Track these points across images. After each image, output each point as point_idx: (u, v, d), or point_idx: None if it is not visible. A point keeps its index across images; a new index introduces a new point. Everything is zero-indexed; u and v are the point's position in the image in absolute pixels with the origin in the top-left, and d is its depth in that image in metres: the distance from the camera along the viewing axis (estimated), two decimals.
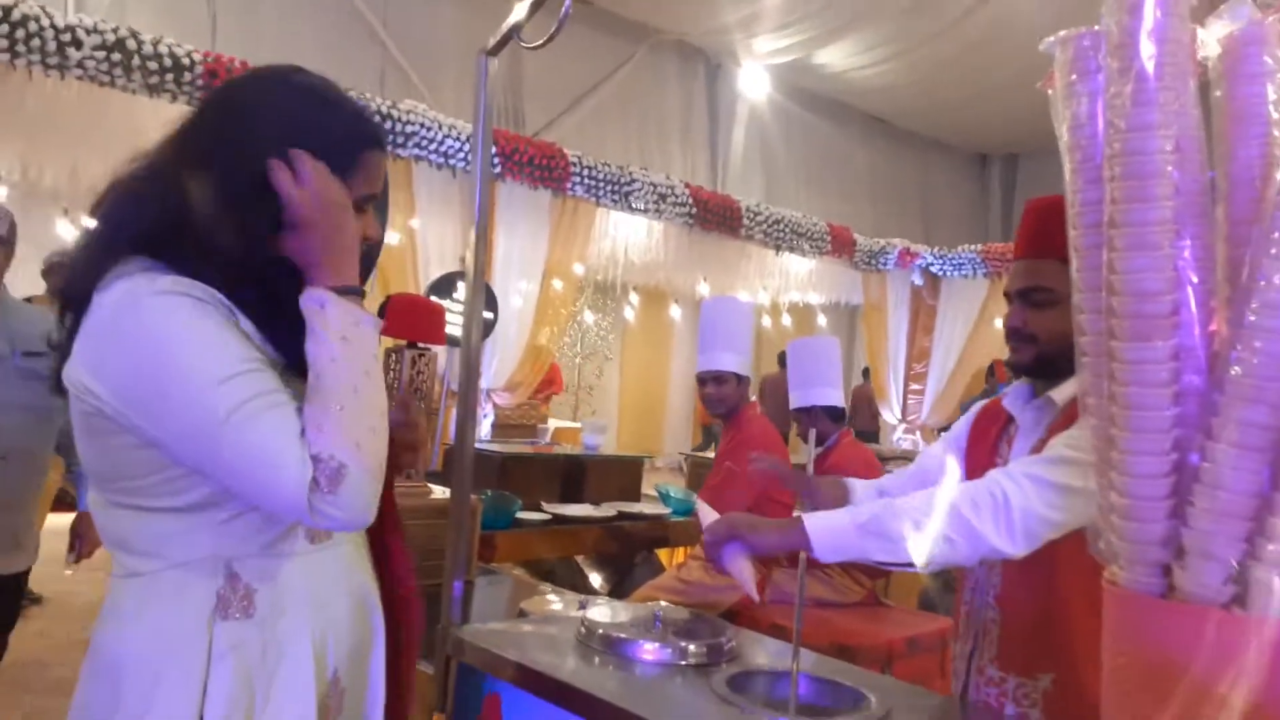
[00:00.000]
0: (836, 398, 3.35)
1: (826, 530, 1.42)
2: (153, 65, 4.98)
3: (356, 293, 1.11)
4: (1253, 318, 0.82)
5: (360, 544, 1.24)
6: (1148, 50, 0.87)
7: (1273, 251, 0.82)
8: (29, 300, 5.06)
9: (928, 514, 1.35)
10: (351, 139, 1.15)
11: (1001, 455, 1.64)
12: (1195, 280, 0.89)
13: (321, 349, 1.06)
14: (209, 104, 1.17)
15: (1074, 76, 0.95)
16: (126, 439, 1.04)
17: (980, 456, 1.69)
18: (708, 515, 1.58)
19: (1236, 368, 0.82)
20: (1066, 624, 1.48)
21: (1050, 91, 1.08)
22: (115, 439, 1.05)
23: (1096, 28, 0.94)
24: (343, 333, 1.07)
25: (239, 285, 1.07)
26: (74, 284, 1.09)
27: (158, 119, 5.25)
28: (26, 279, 6.80)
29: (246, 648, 1.07)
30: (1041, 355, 1.56)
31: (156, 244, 1.08)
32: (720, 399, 3.29)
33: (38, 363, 2.39)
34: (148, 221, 1.08)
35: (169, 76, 5.03)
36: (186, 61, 5.09)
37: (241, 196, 1.08)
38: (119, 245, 1.08)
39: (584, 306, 10.13)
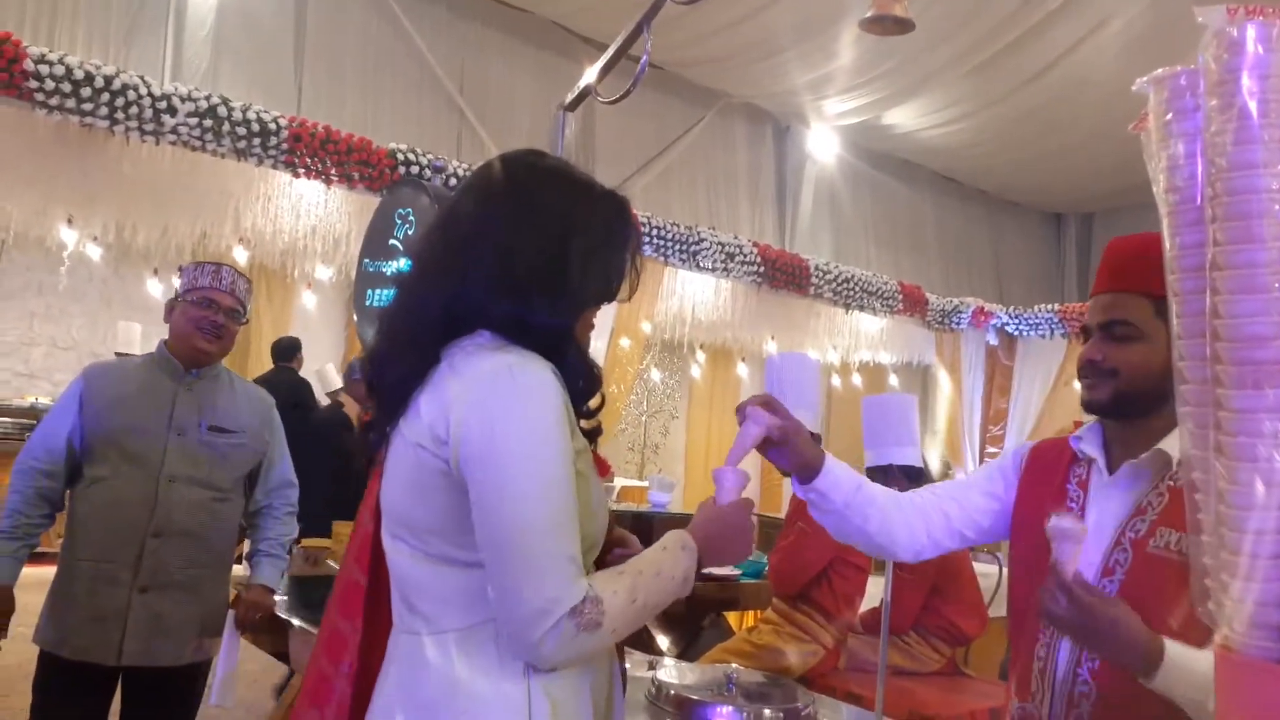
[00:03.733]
0: (914, 456, 3.27)
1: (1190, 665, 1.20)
2: (241, 130, 5.19)
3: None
4: None
5: None
6: (1250, 87, 0.83)
7: None
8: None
9: None
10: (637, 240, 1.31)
11: (1074, 499, 1.54)
12: None
13: (663, 567, 1.20)
14: (549, 220, 1.23)
15: (1170, 116, 0.92)
16: (457, 496, 1.13)
17: (1042, 497, 1.57)
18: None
19: None
20: (1171, 707, 1.37)
21: (1143, 135, 1.04)
22: (447, 494, 1.14)
23: (1193, 67, 0.91)
24: (685, 575, 1.22)
25: (561, 358, 1.20)
26: (418, 346, 1.20)
27: (243, 181, 5.49)
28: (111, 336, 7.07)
29: (556, 696, 1.14)
30: (1119, 393, 1.46)
31: (502, 326, 1.19)
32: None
33: (222, 439, 2.37)
34: (503, 312, 1.19)
35: (256, 141, 5.25)
36: (273, 126, 5.30)
37: (585, 305, 1.25)
38: (465, 322, 1.20)
39: (650, 364, 10.14)
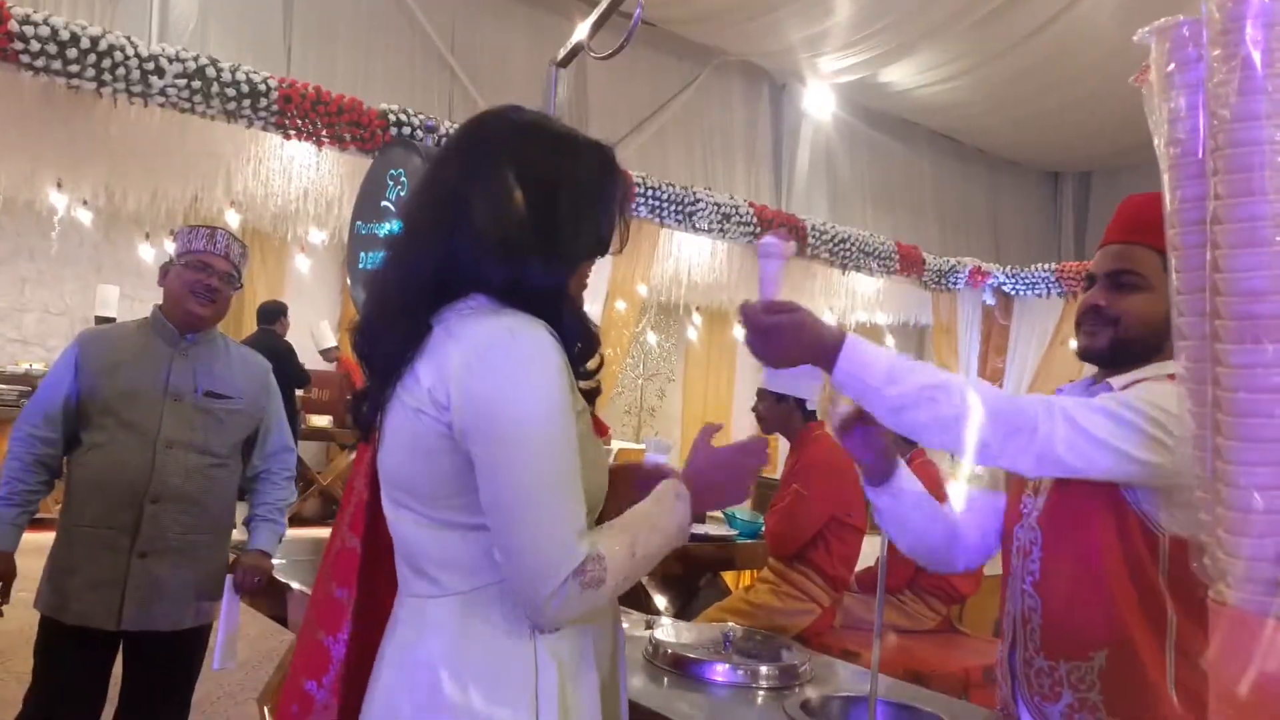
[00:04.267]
0: None
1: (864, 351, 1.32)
2: (231, 92, 5.12)
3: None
4: None
5: None
6: (1254, 36, 0.82)
7: None
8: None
9: (954, 397, 1.28)
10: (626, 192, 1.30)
11: None
12: None
13: (657, 519, 1.20)
14: (536, 176, 1.20)
15: (1172, 67, 0.91)
16: (460, 460, 1.13)
17: None
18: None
19: None
20: (1111, 599, 1.43)
21: (1144, 88, 1.03)
22: (451, 458, 1.13)
23: (1196, 17, 0.89)
24: (680, 525, 1.22)
25: (557, 320, 1.19)
26: (411, 311, 1.19)
27: (234, 143, 5.43)
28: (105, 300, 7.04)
29: (562, 656, 1.15)
30: (1117, 340, 1.48)
31: (496, 289, 1.17)
32: (761, 416, 3.26)
33: (218, 405, 2.37)
34: (496, 274, 1.17)
35: (246, 102, 5.17)
36: (263, 87, 5.23)
37: (578, 261, 1.24)
38: (457, 285, 1.18)
39: (646, 327, 10.13)
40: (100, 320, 6.77)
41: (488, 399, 1.10)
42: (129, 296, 7.28)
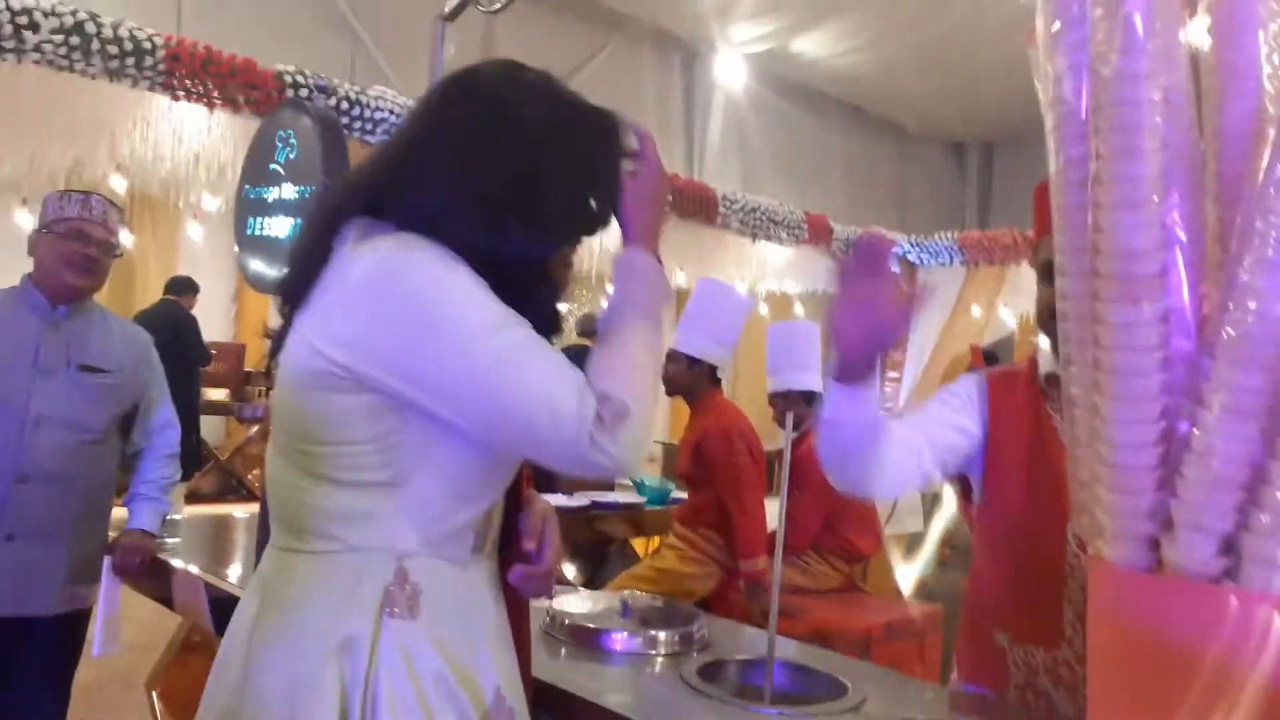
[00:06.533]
0: (815, 382, 3.30)
1: None
2: (113, 49, 4.85)
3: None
4: (1246, 277, 0.78)
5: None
6: None
7: (1268, 208, 0.77)
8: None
9: None
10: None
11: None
12: (1184, 239, 0.84)
13: (625, 298, 1.12)
14: (469, 100, 1.15)
15: (1057, 26, 0.90)
16: (350, 400, 1.03)
17: (1024, 434, 1.54)
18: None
19: (1229, 330, 0.77)
20: None
21: (1030, 50, 1.03)
22: (339, 399, 1.04)
23: None
24: (649, 291, 1.13)
25: (526, 300, 1.08)
26: (311, 244, 1.11)
27: (119, 105, 5.15)
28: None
29: (409, 647, 1.05)
30: None
31: (409, 225, 1.08)
32: (667, 378, 3.25)
33: (93, 379, 2.24)
34: (411, 206, 1.08)
35: (130, 60, 4.91)
36: (148, 45, 4.97)
37: (565, 235, 1.17)
38: (353, 210, 1.10)
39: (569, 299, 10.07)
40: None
41: (404, 311, 1.01)
42: (6, 268, 6.90)
